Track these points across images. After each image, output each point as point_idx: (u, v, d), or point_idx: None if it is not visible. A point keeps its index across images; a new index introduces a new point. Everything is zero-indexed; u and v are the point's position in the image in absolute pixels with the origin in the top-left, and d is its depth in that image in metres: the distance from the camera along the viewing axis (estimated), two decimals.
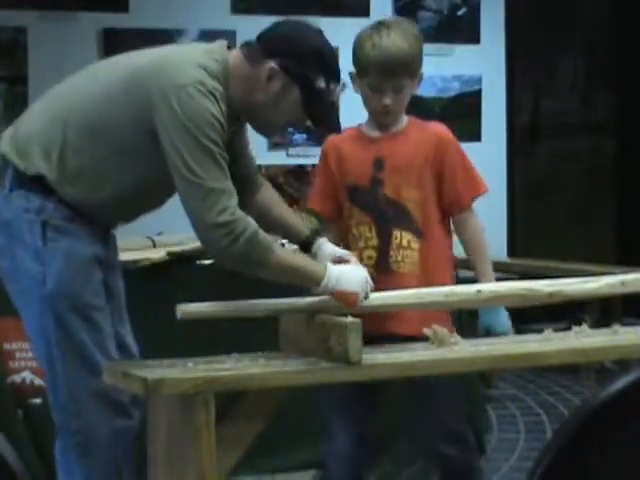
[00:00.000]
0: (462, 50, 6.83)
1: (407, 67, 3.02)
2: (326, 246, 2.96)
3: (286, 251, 2.83)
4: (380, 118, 3.09)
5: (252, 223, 2.70)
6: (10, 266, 2.80)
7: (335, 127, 2.90)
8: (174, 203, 2.84)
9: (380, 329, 2.98)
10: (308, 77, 2.77)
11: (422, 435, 3.21)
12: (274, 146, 6.50)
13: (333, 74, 2.81)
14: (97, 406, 2.79)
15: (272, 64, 2.77)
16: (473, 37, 6.98)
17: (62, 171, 2.76)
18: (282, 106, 2.81)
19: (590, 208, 7.68)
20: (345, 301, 2.76)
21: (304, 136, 6.64)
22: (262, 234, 2.70)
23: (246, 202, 3.02)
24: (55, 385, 2.81)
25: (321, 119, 2.86)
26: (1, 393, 3.74)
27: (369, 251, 3.07)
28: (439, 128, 3.16)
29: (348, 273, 2.78)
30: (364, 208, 3.09)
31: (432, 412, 3.11)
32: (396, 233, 3.06)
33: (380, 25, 3.08)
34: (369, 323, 2.75)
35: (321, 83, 2.79)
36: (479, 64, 6.98)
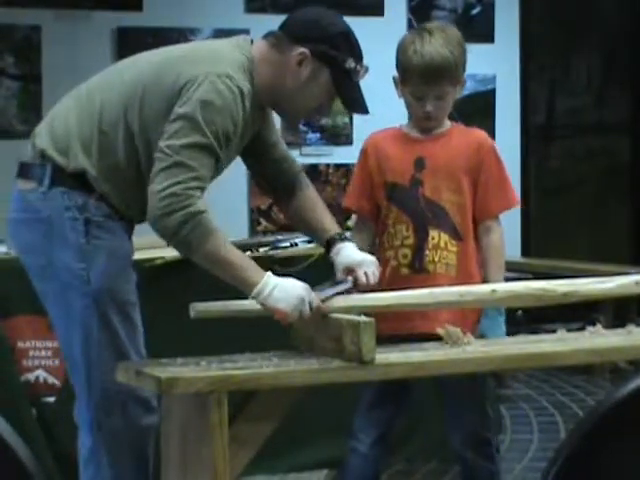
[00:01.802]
0: (476, 49, 6.73)
1: (449, 74, 3.01)
2: (345, 251, 2.91)
3: (229, 247, 2.73)
4: (422, 124, 3.09)
5: (200, 205, 2.65)
6: (44, 263, 2.80)
7: (365, 108, 2.88)
8: None
9: (413, 328, 2.99)
10: (338, 59, 2.80)
11: (448, 434, 3.19)
12: (287, 145, 6.50)
13: (360, 55, 2.85)
14: (129, 404, 2.80)
15: (302, 49, 2.79)
16: (487, 36, 6.98)
17: (101, 167, 2.77)
18: (312, 90, 2.83)
19: (605, 208, 7.66)
20: (275, 315, 2.71)
21: (317, 135, 6.64)
22: (207, 219, 2.65)
23: (282, 202, 3.06)
24: (89, 382, 2.81)
25: (353, 99, 2.87)
26: (15, 392, 3.74)
27: (405, 250, 3.06)
28: (481, 135, 3.16)
29: (282, 289, 2.68)
30: (403, 207, 3.07)
31: (456, 413, 3.10)
32: (433, 234, 3.05)
33: (422, 31, 3.05)
34: (402, 322, 2.82)
35: (351, 63, 2.82)
36: (493, 63, 6.97)
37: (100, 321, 2.77)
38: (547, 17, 7.52)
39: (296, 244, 4.10)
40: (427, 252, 3.04)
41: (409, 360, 2.72)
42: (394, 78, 3.08)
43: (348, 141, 6.60)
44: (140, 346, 2.84)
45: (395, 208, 3.08)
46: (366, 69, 2.85)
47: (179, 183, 2.64)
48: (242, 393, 2.67)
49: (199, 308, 2.73)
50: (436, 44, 2.99)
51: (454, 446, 3.14)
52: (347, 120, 6.56)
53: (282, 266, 3.79)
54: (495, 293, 2.88)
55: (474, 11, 6.99)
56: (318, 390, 2.78)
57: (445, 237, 3.06)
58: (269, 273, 2.72)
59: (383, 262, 3.03)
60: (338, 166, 6.61)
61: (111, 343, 2.78)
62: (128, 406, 2.80)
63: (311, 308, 2.70)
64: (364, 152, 3.16)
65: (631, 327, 3.03)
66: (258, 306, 2.75)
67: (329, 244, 2.95)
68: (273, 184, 3.05)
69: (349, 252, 2.91)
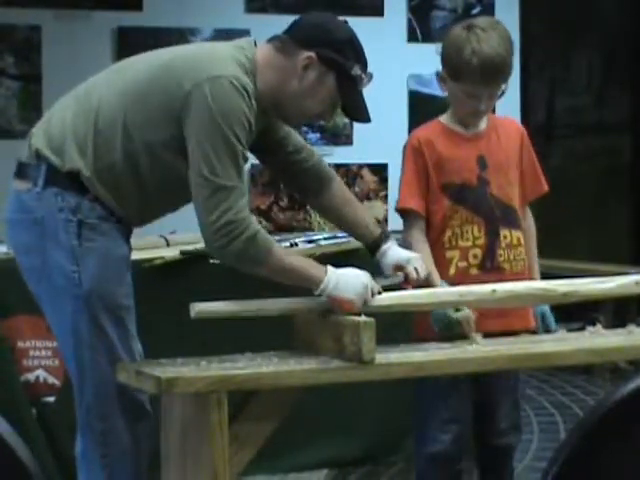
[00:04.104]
0: None
1: (506, 73, 3.05)
2: (392, 251, 2.96)
3: (287, 253, 2.83)
4: (470, 120, 3.11)
5: (253, 224, 2.70)
6: (39, 264, 2.79)
7: (367, 116, 2.88)
8: None
9: (503, 325, 3.02)
10: (345, 65, 2.80)
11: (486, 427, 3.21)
12: None
13: (365, 63, 2.85)
14: (121, 408, 2.79)
15: (309, 53, 2.79)
16: None
17: (96, 168, 2.76)
18: (317, 95, 2.82)
19: (605, 208, 7.66)
20: (340, 307, 2.75)
21: (317, 135, 6.64)
22: (262, 235, 2.71)
23: (311, 197, 3.06)
24: (82, 385, 2.80)
25: (356, 107, 2.86)
26: (14, 392, 3.74)
27: (475, 250, 3.07)
28: (517, 122, 3.26)
29: (346, 279, 2.75)
30: (473, 208, 3.08)
31: (501, 405, 3.18)
32: (505, 232, 3.08)
33: (475, 28, 3.03)
34: (492, 319, 2.92)
35: (357, 70, 2.82)
36: None
37: (91, 324, 2.75)
38: (547, 17, 7.52)
39: (296, 244, 4.09)
40: (500, 252, 3.07)
41: (409, 360, 2.72)
42: (438, 73, 3.08)
43: (348, 141, 6.59)
44: (133, 351, 2.81)
45: (464, 209, 3.07)
46: (370, 77, 2.85)
47: (229, 209, 2.66)
48: (242, 393, 2.67)
49: (199, 308, 2.73)
50: (494, 44, 2.99)
51: (490, 438, 3.19)
52: (347, 120, 6.56)
53: None
54: (495, 293, 2.88)
55: (474, 11, 6.98)
56: (318, 390, 2.78)
57: (517, 234, 3.10)
58: (329, 267, 2.78)
59: (442, 262, 3.04)
60: (338, 166, 6.59)
61: (103, 347, 2.76)
62: (122, 410, 2.79)
63: (373, 294, 2.77)
64: (418, 151, 3.09)
65: (631, 327, 3.04)
66: (256, 306, 2.76)
67: (375, 245, 3.00)
68: (296, 179, 3.04)
69: (396, 251, 2.97)
